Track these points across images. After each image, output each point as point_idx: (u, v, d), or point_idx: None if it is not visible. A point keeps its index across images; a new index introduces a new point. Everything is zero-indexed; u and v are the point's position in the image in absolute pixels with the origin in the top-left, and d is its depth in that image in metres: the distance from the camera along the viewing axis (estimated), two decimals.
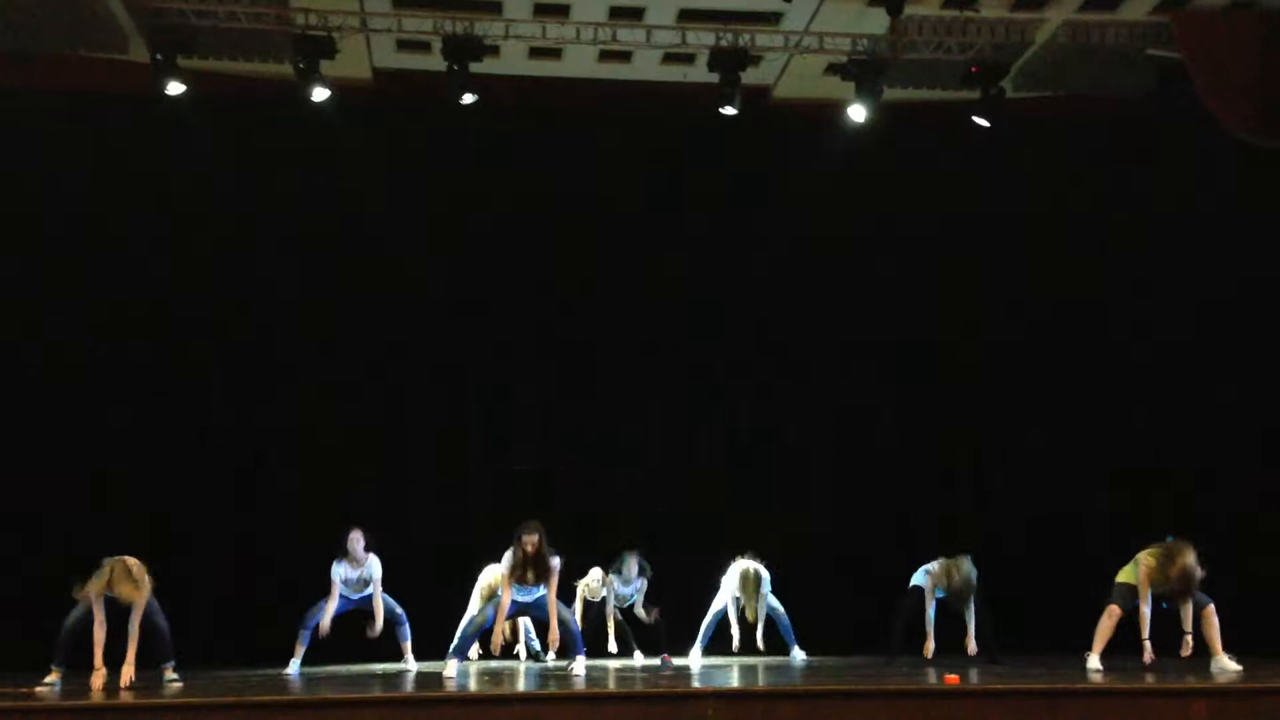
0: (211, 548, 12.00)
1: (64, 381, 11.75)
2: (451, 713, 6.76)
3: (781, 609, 11.01)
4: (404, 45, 11.48)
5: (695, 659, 10.86)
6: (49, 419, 11.66)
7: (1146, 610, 8.74)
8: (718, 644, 10.98)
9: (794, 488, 13.00)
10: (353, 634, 10.34)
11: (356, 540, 10.06)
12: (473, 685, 8.02)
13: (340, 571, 10.06)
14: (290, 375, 12.34)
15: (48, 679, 8.31)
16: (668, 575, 11.41)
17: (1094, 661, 8.69)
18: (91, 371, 11.87)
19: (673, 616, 11.15)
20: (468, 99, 11.06)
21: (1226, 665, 8.55)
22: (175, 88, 10.90)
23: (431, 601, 10.80)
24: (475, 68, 11.01)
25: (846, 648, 11.34)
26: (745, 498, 12.66)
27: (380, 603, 10.15)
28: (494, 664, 10.68)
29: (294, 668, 9.86)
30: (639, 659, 10.91)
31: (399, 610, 10.37)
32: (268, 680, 8.91)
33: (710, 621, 10.94)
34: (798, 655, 10.96)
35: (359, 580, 10.13)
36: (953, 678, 7.75)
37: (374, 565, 10.15)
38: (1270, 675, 7.57)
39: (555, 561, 9.11)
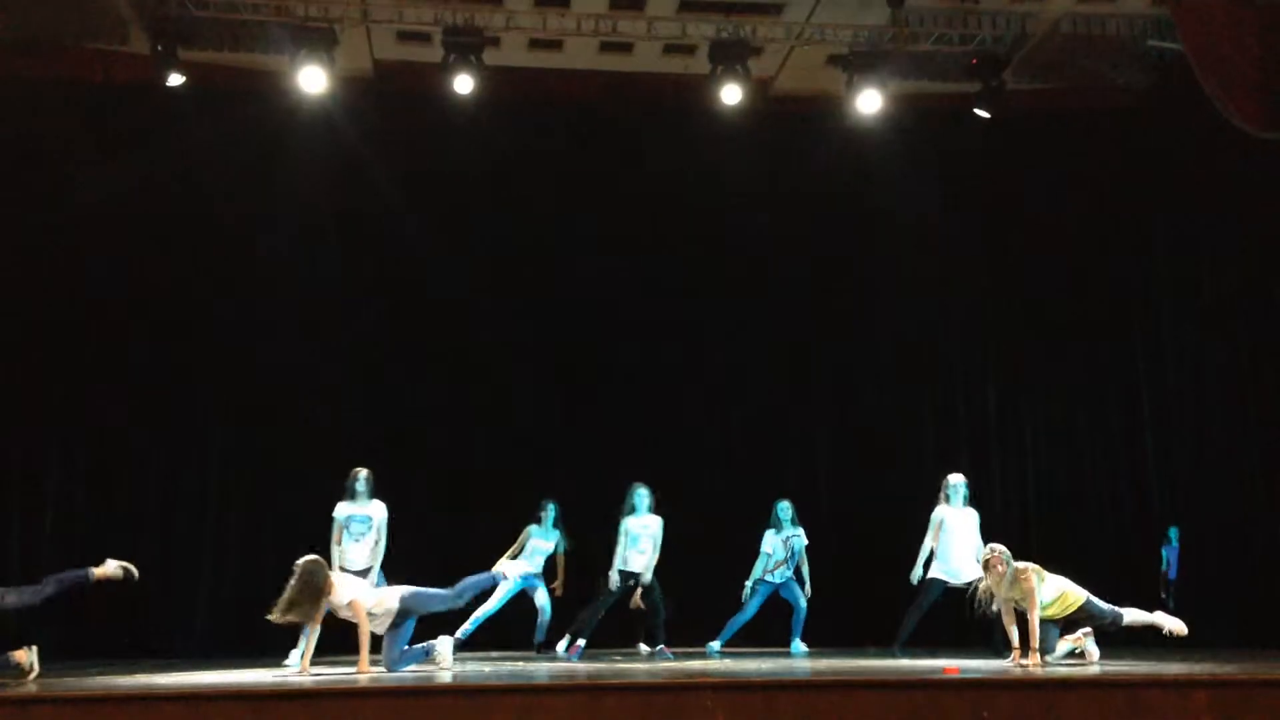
0: (211, 544, 12.02)
1: (56, 376, 11.76)
2: (451, 703, 6.75)
3: (803, 601, 11.00)
4: (405, 37, 11.48)
5: (712, 651, 10.82)
6: (43, 416, 11.69)
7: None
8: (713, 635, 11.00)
9: (795, 482, 13.01)
10: (349, 627, 10.32)
11: (360, 476, 9.94)
12: (472, 676, 8.02)
13: (343, 509, 9.89)
14: (289, 370, 12.34)
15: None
16: (668, 572, 11.37)
17: (1092, 651, 8.76)
18: (92, 368, 11.87)
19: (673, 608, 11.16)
20: (467, 89, 11.05)
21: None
22: (176, 79, 10.90)
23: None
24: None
25: (847, 640, 11.35)
26: (746, 494, 12.65)
27: (382, 548, 9.87)
28: (495, 654, 10.69)
29: (294, 659, 9.81)
30: (643, 650, 10.91)
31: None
32: (267, 672, 8.89)
33: (739, 619, 10.95)
34: (799, 647, 10.93)
35: (362, 521, 9.88)
36: (953, 669, 7.74)
37: (378, 508, 9.94)
38: (1271, 668, 7.55)
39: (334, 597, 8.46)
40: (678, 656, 10.41)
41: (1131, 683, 7.00)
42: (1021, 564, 8.60)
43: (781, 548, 10.99)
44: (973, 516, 10.27)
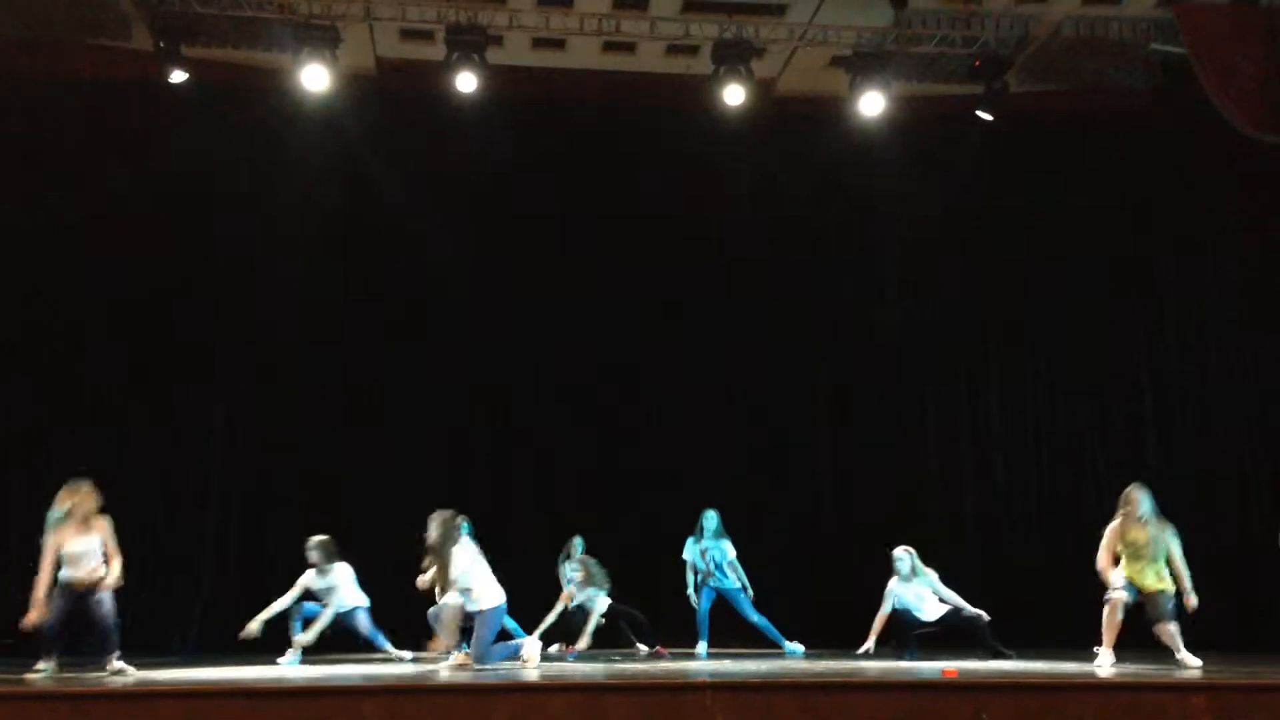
0: (211, 544, 12.01)
1: (56, 376, 11.73)
2: (451, 702, 6.75)
3: (754, 615, 10.79)
4: (408, 35, 11.46)
5: (700, 651, 10.80)
6: (44, 416, 11.66)
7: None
8: (715, 636, 10.93)
9: (795, 482, 13.01)
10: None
11: (311, 549, 10.05)
12: (470, 675, 8.01)
13: (305, 580, 10.04)
14: (291, 371, 12.33)
15: (39, 665, 8.23)
16: (668, 572, 11.35)
17: (1105, 656, 8.61)
18: (92, 368, 11.85)
19: (675, 610, 11.15)
20: (470, 88, 11.04)
21: (1188, 661, 8.52)
22: (179, 76, 10.89)
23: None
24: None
25: (847, 640, 11.33)
26: (746, 494, 12.63)
27: (330, 611, 9.98)
28: None
29: (291, 658, 9.80)
30: (642, 650, 10.89)
31: (370, 630, 10.34)
32: (263, 670, 8.89)
33: (701, 620, 10.90)
34: (793, 648, 10.83)
35: (325, 590, 10.06)
36: (952, 671, 7.74)
37: (338, 574, 10.05)
38: (1270, 671, 7.56)
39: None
40: (675, 657, 10.40)
41: (1132, 684, 7.02)
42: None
43: (701, 559, 10.85)
44: (926, 584, 10.27)
